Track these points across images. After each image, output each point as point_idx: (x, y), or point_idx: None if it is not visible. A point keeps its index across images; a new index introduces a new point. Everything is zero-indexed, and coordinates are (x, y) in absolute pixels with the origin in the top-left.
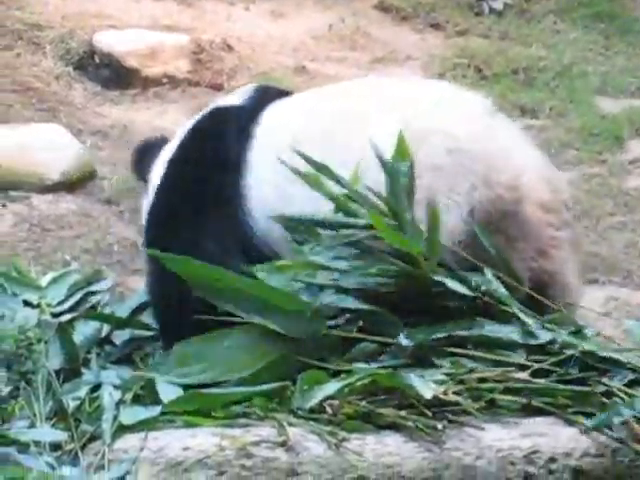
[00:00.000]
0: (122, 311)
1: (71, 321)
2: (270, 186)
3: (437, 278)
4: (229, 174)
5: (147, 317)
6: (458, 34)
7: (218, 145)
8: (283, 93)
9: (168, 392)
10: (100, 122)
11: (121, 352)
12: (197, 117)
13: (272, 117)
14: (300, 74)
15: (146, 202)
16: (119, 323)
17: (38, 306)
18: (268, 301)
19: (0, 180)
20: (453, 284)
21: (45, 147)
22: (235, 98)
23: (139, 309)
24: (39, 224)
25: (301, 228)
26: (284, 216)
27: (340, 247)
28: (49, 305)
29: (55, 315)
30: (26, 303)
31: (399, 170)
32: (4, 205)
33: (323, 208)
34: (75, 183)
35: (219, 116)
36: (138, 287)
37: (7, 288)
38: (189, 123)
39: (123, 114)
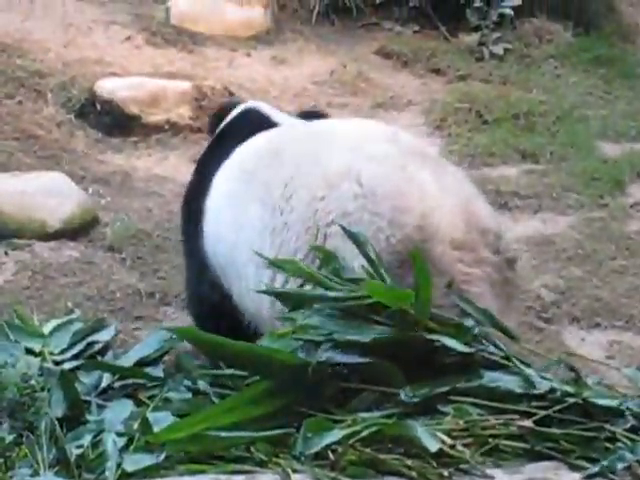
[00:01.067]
0: (125, 360)
1: (74, 369)
2: (211, 219)
3: (432, 337)
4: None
5: (150, 367)
6: (459, 79)
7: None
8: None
9: (160, 421)
10: (102, 169)
11: (125, 392)
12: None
13: (243, 146)
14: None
15: None
16: (122, 372)
17: (41, 354)
18: (271, 361)
19: (2, 228)
20: (450, 342)
21: (47, 194)
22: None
23: (142, 359)
24: (41, 272)
25: (290, 299)
26: (272, 290)
27: (330, 312)
28: (52, 353)
29: (58, 363)
30: (29, 351)
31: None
32: (6, 253)
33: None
34: (77, 230)
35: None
36: (141, 335)
37: (10, 336)
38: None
39: (125, 161)
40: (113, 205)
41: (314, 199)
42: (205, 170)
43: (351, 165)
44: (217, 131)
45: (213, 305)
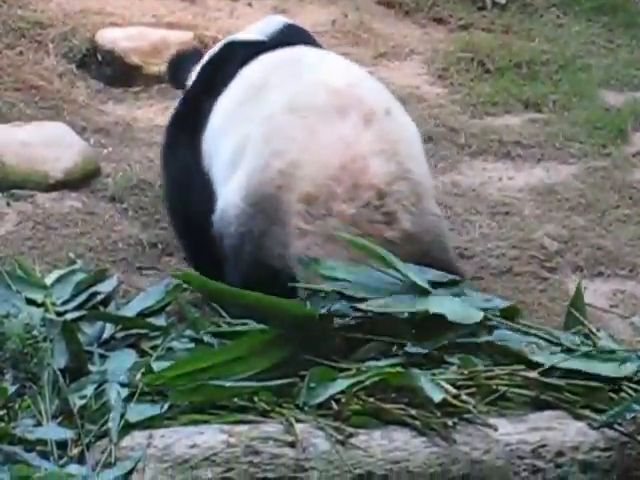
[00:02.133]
0: (127, 310)
1: (76, 320)
2: (214, 126)
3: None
4: (209, 102)
5: (153, 317)
6: (461, 28)
7: (214, 75)
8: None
9: (162, 364)
10: (103, 120)
11: (127, 342)
12: (216, 47)
13: (253, 65)
14: None
15: None
16: (124, 323)
17: (43, 305)
18: (277, 309)
19: (3, 179)
20: (453, 315)
21: (48, 145)
22: (255, 32)
23: (144, 309)
24: (43, 222)
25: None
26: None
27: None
28: (54, 304)
29: (60, 314)
30: (31, 302)
31: None
32: (8, 204)
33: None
34: (79, 181)
35: (230, 49)
36: (143, 285)
37: (12, 287)
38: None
39: (126, 111)
40: (115, 155)
41: (246, 136)
42: (206, 90)
43: (274, 112)
44: (204, 62)
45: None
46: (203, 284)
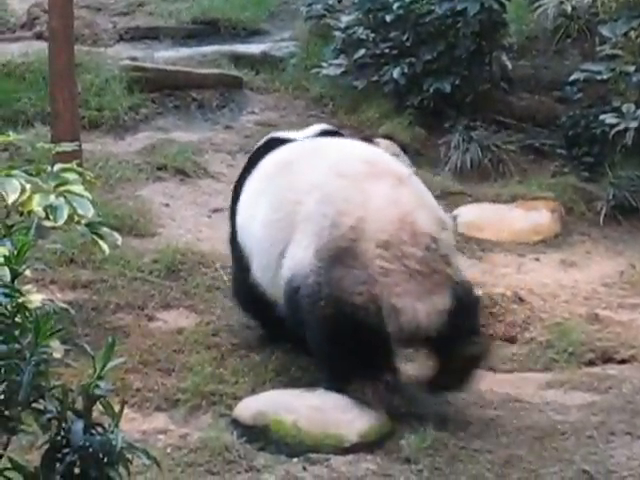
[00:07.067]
0: None
1: None
2: (243, 206)
3: None
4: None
5: None
6: None
7: (249, 166)
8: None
9: None
10: None
11: None
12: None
13: (274, 155)
14: (593, 322)
15: None
16: None
17: None
18: None
19: (299, 444)
20: None
21: (342, 409)
22: (295, 134)
23: None
24: None
25: None
26: None
27: None
28: None
29: None
30: None
31: None
32: (304, 468)
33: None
34: (373, 443)
35: (267, 144)
36: None
37: None
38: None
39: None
40: (410, 415)
41: (297, 203)
42: (239, 183)
43: (323, 179)
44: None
45: (246, 286)
46: None
